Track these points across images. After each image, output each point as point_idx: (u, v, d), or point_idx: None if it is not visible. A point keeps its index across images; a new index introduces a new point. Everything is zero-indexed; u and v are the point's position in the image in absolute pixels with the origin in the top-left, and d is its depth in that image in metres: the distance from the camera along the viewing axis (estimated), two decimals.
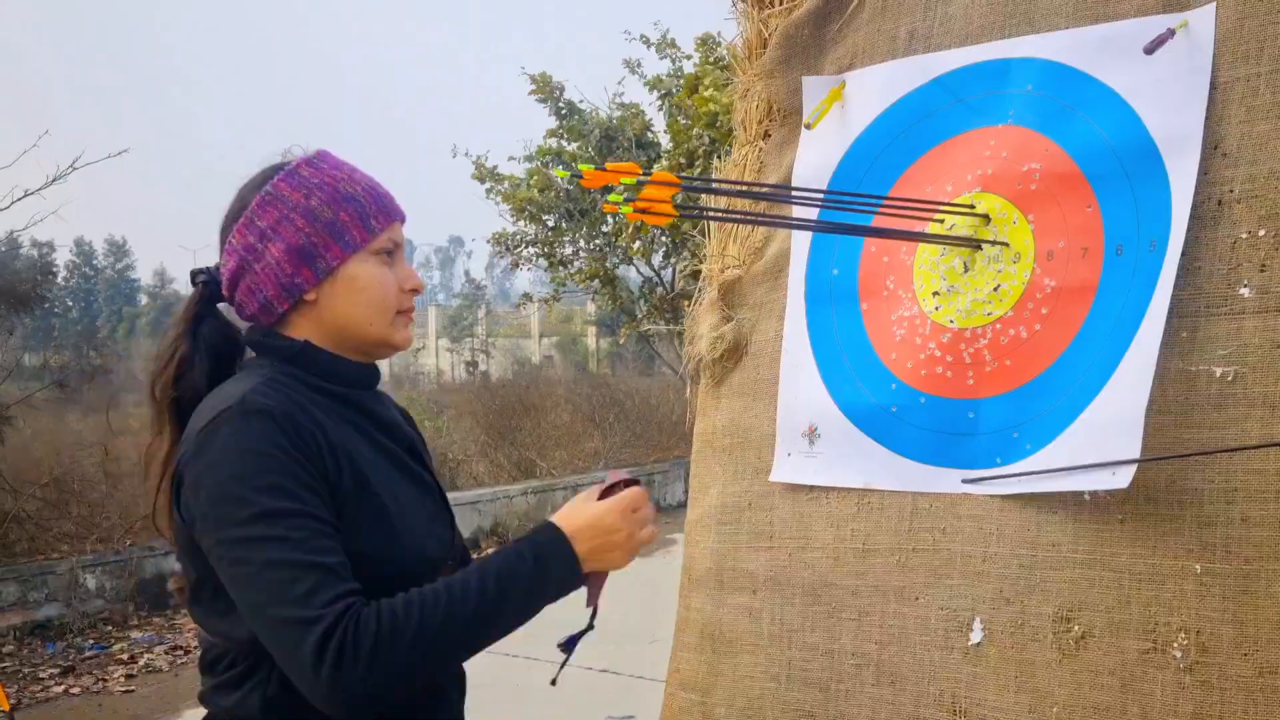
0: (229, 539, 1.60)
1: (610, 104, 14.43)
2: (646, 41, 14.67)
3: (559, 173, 1.71)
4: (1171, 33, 1.95)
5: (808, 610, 2.25)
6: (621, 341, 17.54)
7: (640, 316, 14.75)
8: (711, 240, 2.53)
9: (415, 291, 1.87)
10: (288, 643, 1.54)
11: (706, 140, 12.71)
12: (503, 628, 1.68)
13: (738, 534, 2.38)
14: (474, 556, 1.99)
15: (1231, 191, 1.89)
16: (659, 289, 14.64)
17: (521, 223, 14.59)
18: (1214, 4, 1.95)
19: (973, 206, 2.12)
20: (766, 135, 2.49)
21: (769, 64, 2.45)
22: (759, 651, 2.31)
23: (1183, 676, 1.84)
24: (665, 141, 14.23)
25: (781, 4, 2.46)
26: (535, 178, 14.30)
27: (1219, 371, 1.85)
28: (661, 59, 14.67)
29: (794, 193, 2.11)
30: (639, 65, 14.71)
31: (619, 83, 15.96)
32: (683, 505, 11.12)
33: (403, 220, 1.87)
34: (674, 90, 14.26)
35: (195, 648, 7.16)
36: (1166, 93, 1.96)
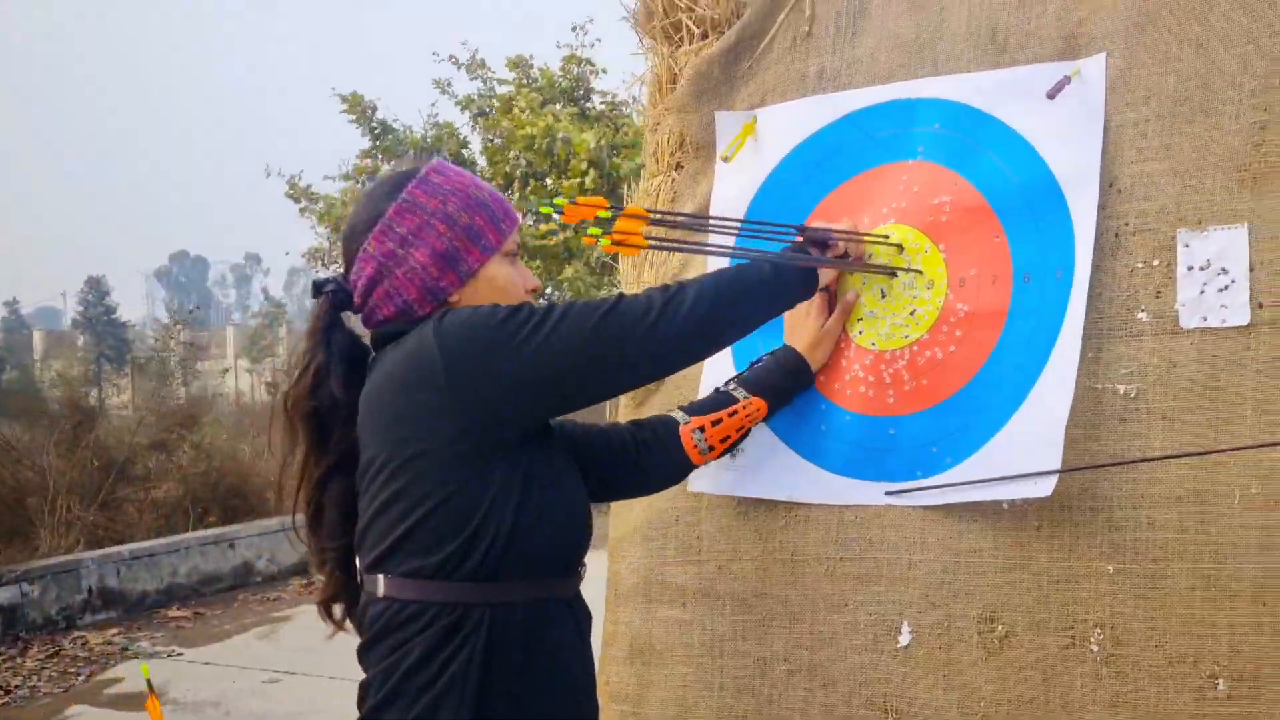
0: (533, 323, 1.79)
1: (425, 124, 14.33)
2: (456, 62, 14.62)
3: (543, 208, 1.81)
4: (1068, 79, 2.14)
5: (738, 620, 2.37)
6: None
7: None
8: (625, 268, 2.62)
9: (535, 291, 1.99)
10: (632, 312, 1.84)
11: (524, 163, 12.80)
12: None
13: (665, 549, 2.48)
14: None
15: (1127, 225, 2.08)
16: None
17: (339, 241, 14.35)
18: (1104, 54, 2.14)
19: (887, 237, 2.26)
20: (678, 167, 2.59)
21: (682, 99, 2.55)
22: (690, 661, 2.42)
23: (1099, 668, 2.02)
24: (481, 162, 14.20)
25: (692, 44, 2.56)
26: (349, 191, 14.11)
27: (1122, 389, 2.05)
28: (472, 79, 14.64)
29: (751, 225, 2.21)
30: (449, 85, 14.65)
31: (432, 105, 15.90)
32: None
33: (519, 224, 2.00)
34: (486, 111, 14.26)
35: None
36: (1065, 134, 2.15)
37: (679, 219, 2.13)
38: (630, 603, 2.51)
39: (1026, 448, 2.06)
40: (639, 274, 2.60)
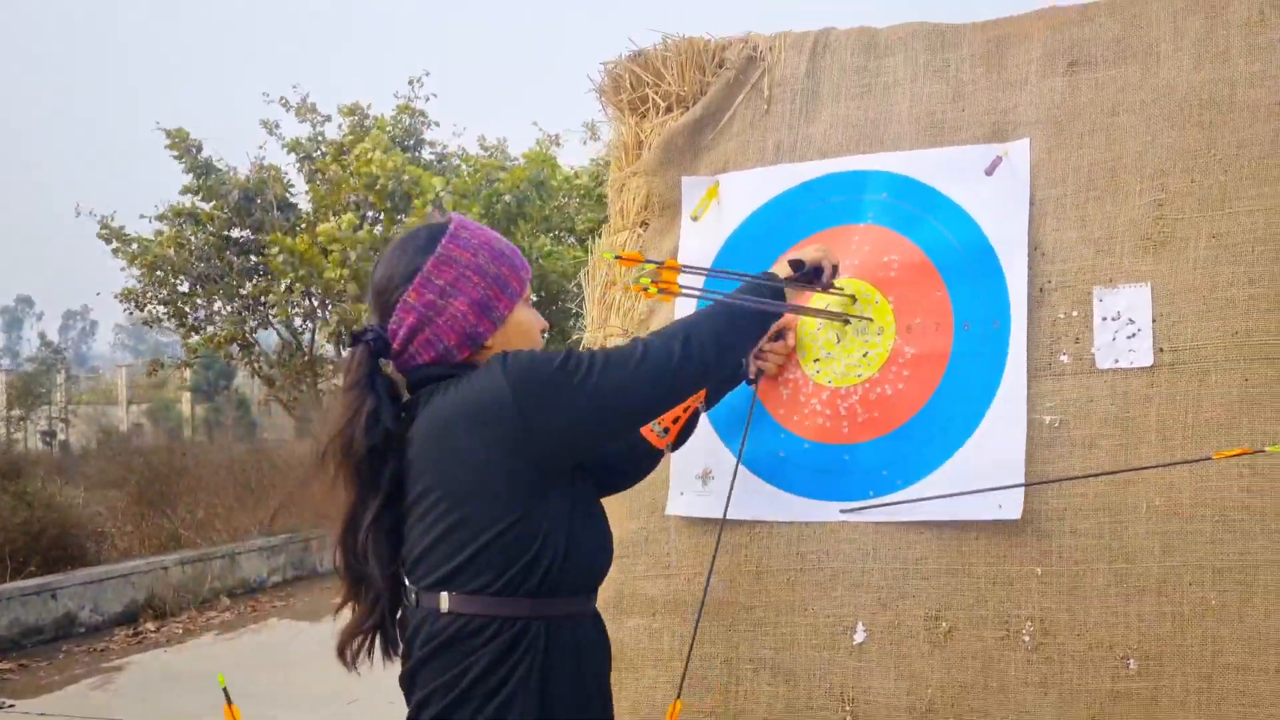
0: (587, 359, 1.99)
1: (251, 166, 14.25)
2: (285, 104, 14.65)
3: (605, 254, 2.10)
4: (1000, 159, 2.54)
5: (705, 626, 2.64)
6: (264, 403, 17.10)
7: (279, 383, 14.55)
8: (592, 311, 2.91)
9: (545, 330, 2.22)
10: (660, 357, 2.03)
11: (355, 201, 12.89)
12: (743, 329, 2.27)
13: (636, 564, 2.74)
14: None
15: (1050, 282, 2.48)
16: (299, 353, 14.51)
17: (154, 285, 14.07)
18: (1028, 139, 2.55)
19: (842, 289, 2.61)
20: (644, 224, 2.90)
21: (651, 164, 2.86)
22: (660, 665, 2.68)
23: (1030, 655, 2.38)
24: (305, 204, 14.20)
25: (658, 115, 2.89)
26: (166, 237, 13.87)
27: (1049, 419, 2.43)
28: (301, 122, 14.68)
29: (754, 277, 2.52)
30: (277, 127, 14.65)
31: (260, 146, 15.78)
32: None
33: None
34: (314, 155, 14.32)
35: None
36: (997, 205, 2.54)
37: (704, 271, 2.42)
38: (602, 613, 2.75)
39: (982, 472, 2.41)
40: (604, 318, 2.89)
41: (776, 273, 2.39)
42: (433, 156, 15.09)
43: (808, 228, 2.73)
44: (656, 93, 2.90)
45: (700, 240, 2.81)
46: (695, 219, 2.81)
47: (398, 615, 2.14)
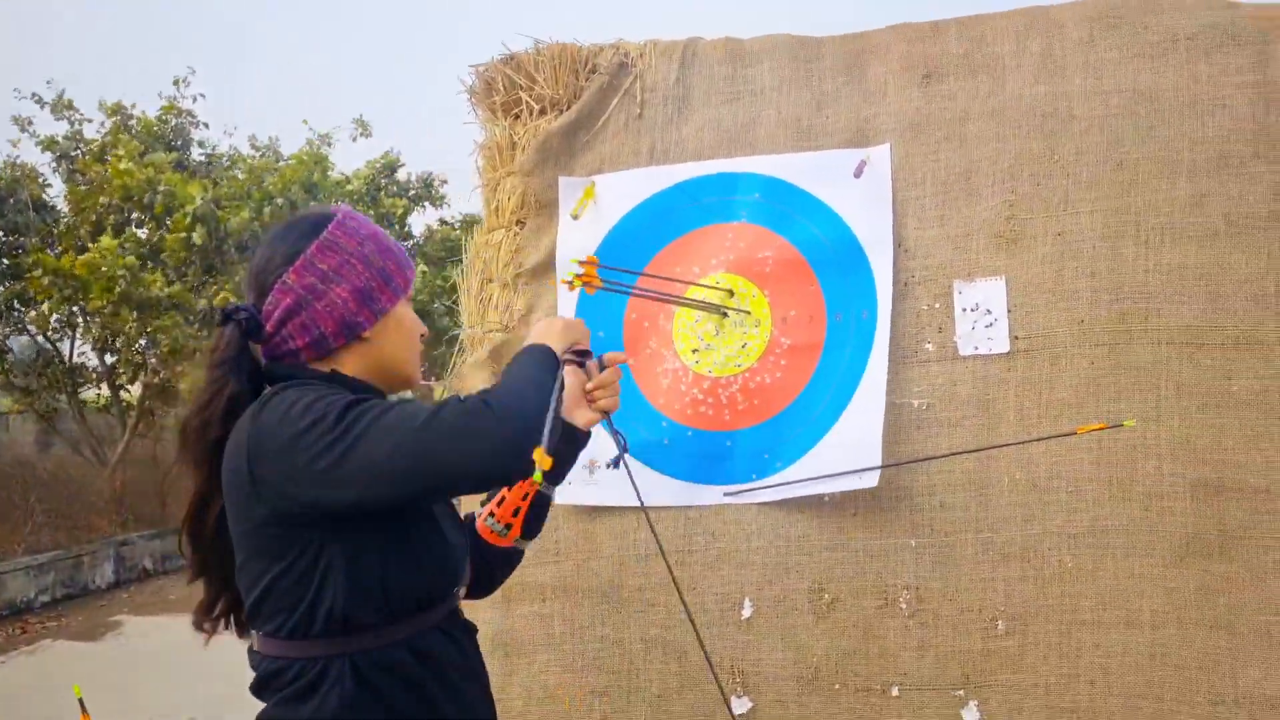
0: (331, 433, 1.73)
1: (2, 164, 13.43)
2: (39, 100, 13.90)
3: (574, 259, 2.17)
4: (865, 162, 2.73)
5: (597, 609, 2.74)
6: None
7: (36, 390, 13.74)
8: (470, 307, 2.96)
9: (423, 336, 2.14)
10: (455, 417, 1.72)
11: (111, 208, 12.32)
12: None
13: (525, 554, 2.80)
14: None
15: (914, 276, 2.69)
16: (58, 362, 13.75)
17: None
18: (888, 144, 2.76)
19: (719, 282, 2.75)
20: (519, 222, 2.97)
21: (528, 165, 2.94)
22: (552, 649, 2.76)
23: (908, 621, 2.57)
24: (64, 207, 13.48)
25: (532, 118, 2.97)
26: None
27: (916, 403, 2.63)
28: (58, 120, 13.94)
29: (656, 278, 2.63)
30: (30, 123, 13.87)
31: (14, 144, 14.86)
32: (115, 586, 10.59)
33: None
34: (72, 154, 13.63)
35: None
36: (863, 205, 2.73)
37: (618, 269, 2.51)
38: (489, 606, 2.81)
39: (848, 451, 2.59)
40: (483, 315, 2.95)
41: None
42: (203, 157, 14.57)
43: (682, 225, 2.86)
44: (530, 95, 2.98)
45: (579, 238, 2.90)
46: (576, 218, 2.90)
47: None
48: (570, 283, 2.30)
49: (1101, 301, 2.57)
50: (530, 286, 2.93)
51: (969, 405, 2.61)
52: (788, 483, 2.64)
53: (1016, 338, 2.60)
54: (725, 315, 2.76)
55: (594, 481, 2.78)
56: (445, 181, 16.25)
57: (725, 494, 2.70)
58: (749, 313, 2.76)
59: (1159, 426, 2.52)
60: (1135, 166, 2.61)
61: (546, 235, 2.94)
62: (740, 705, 2.65)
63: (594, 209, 2.92)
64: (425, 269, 14.31)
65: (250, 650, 1.94)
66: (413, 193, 15.93)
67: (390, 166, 15.52)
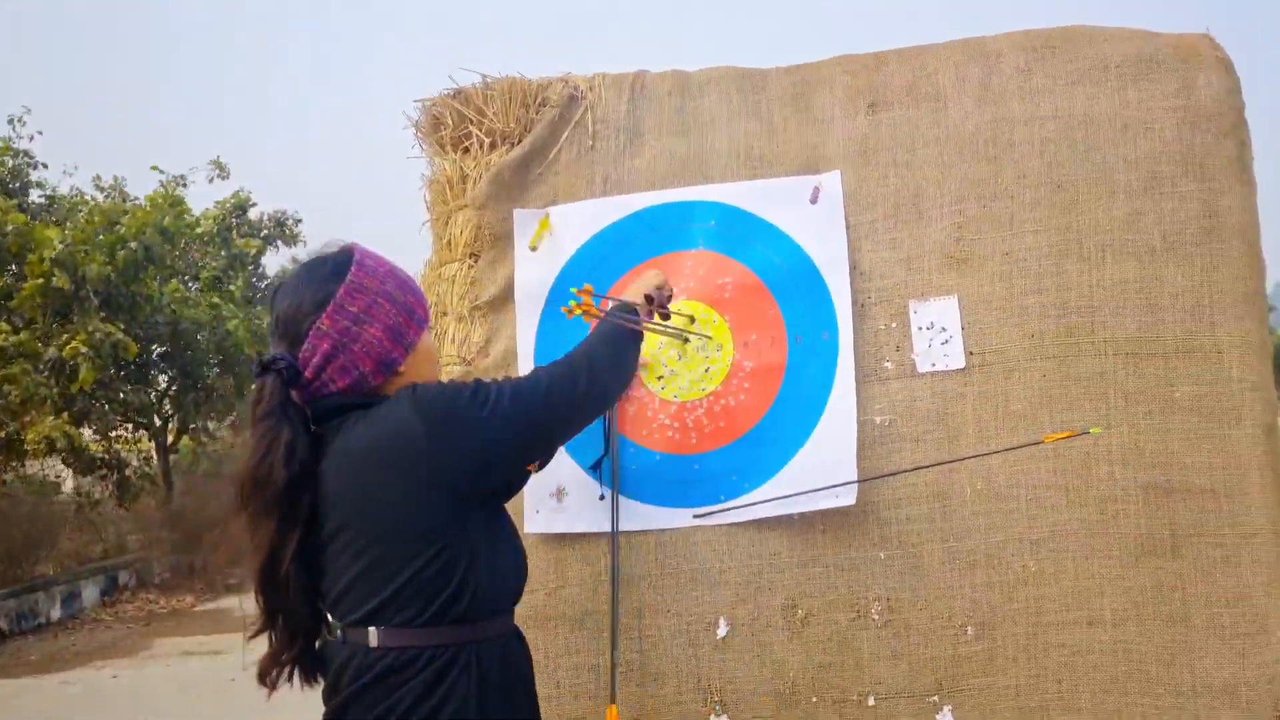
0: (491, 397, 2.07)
1: None
2: None
3: (573, 289, 2.27)
4: (818, 189, 2.82)
5: (571, 637, 2.75)
6: None
7: None
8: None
9: None
10: (565, 385, 2.18)
11: None
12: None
13: None
14: None
15: (870, 298, 2.78)
16: None
17: None
18: (839, 171, 2.85)
19: (679, 310, 2.81)
20: (473, 255, 2.98)
21: (481, 198, 2.95)
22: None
23: (881, 631, 2.64)
24: None
25: (483, 151, 2.99)
26: None
27: (878, 420, 2.71)
28: None
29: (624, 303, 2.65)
30: None
31: None
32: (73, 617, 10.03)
33: None
34: None
35: None
36: (817, 230, 2.82)
37: (606, 298, 2.54)
38: None
39: (820, 470, 2.66)
40: (439, 348, 2.95)
41: (630, 301, 2.54)
42: (43, 199, 14.06)
43: (641, 254, 2.90)
44: (480, 129, 3.00)
45: (537, 269, 2.92)
46: (534, 249, 2.92)
47: (316, 645, 2.14)
48: (570, 311, 2.34)
49: (1050, 316, 2.69)
50: (489, 318, 2.94)
51: (929, 420, 2.70)
52: (761, 502, 2.69)
53: (971, 353, 2.71)
54: (687, 341, 2.81)
55: (563, 509, 2.79)
56: (300, 220, 15.99)
57: (695, 515, 2.74)
58: (710, 337, 2.81)
59: (1110, 433, 2.64)
60: (1075, 187, 2.74)
61: (503, 267, 2.96)
62: None
63: (550, 240, 2.94)
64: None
65: (358, 651, 2.03)
66: (265, 233, 15.62)
67: (241, 206, 15.18)
